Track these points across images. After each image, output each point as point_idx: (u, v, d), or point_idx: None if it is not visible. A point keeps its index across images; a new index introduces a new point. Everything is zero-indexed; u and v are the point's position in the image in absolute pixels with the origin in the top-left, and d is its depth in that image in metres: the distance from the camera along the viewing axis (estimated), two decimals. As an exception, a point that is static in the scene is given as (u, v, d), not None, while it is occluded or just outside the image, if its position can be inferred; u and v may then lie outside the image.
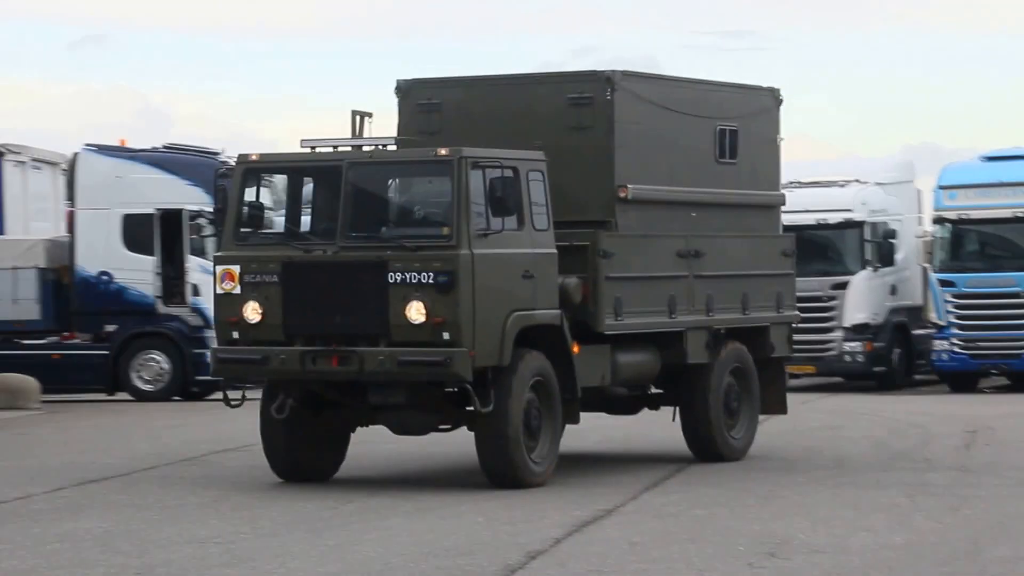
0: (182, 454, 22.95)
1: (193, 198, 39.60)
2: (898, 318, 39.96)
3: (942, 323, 38.25)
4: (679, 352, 21.88)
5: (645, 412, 24.07)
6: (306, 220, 21.25)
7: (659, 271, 21.58)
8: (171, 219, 39.22)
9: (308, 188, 21.12)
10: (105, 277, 38.31)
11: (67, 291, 37.55)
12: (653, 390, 23.23)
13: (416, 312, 18.44)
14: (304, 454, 20.32)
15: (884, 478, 22.58)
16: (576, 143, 20.81)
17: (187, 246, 39.41)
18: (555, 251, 19.87)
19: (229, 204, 20.09)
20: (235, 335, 19.40)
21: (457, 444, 22.29)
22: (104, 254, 36.89)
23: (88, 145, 36.96)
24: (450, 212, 18.85)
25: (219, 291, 19.63)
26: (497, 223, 18.89)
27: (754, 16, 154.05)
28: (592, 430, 24.45)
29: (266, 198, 20.12)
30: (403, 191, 20.58)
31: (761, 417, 31.71)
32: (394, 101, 22.43)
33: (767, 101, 24.47)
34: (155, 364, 37.71)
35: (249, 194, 19.83)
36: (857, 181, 40.23)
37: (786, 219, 39.03)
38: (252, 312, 19.11)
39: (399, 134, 21.29)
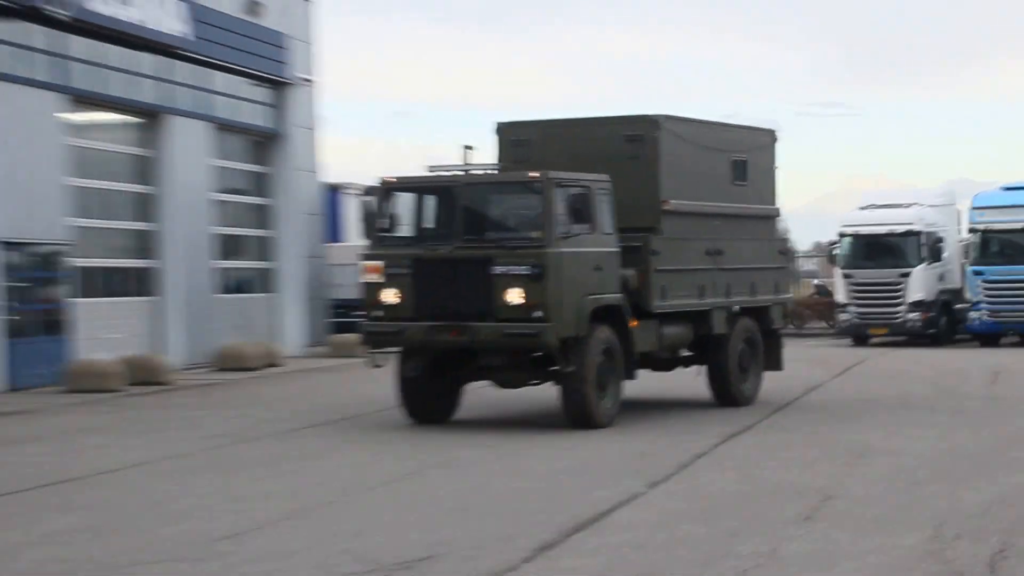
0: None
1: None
2: (944, 297, 38.96)
3: (975, 300, 37.53)
4: (707, 325, 20.50)
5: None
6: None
7: (692, 265, 20.13)
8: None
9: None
10: None
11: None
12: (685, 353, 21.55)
13: (515, 296, 17.38)
14: (429, 403, 18.98)
15: (935, 405, 22.13)
16: (631, 169, 19.28)
17: None
18: (618, 250, 18.57)
19: (373, 215, 18.66)
20: (378, 314, 18.16)
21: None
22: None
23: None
24: (540, 220, 17.73)
25: (366, 280, 18.43)
26: (575, 228, 17.75)
27: (844, 90, 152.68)
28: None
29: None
30: (504, 204, 18.91)
31: (848, 361, 31.62)
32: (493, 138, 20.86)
33: (767, 139, 22.77)
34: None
35: (388, 207, 18.64)
36: (916, 204, 39.30)
37: (867, 229, 38.72)
38: (391, 296, 17.96)
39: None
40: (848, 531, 11.45)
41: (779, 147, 22.81)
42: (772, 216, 23.02)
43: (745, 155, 21.63)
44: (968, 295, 38.58)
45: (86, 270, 27.86)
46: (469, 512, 12.48)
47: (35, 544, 11.23)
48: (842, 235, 39.15)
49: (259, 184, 35.02)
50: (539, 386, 19.19)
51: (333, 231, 38.88)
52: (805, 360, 32.74)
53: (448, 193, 18.41)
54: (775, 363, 22.46)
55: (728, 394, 21.02)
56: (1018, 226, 37.91)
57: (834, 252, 39.74)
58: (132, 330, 29.06)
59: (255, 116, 34.21)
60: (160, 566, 10.25)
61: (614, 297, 18.34)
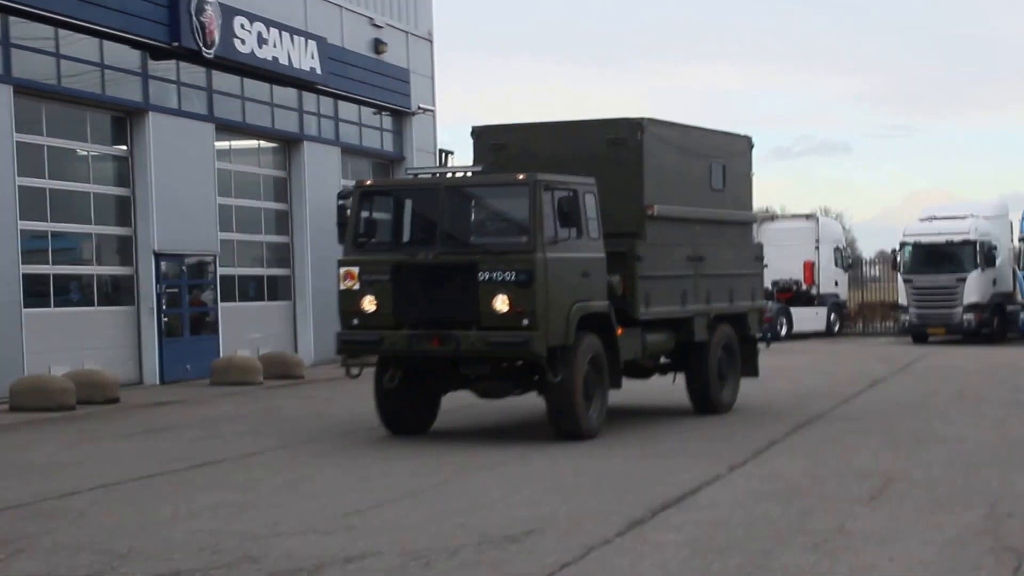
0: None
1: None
2: (997, 299, 38.09)
3: None
4: (689, 332, 17.78)
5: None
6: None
7: (675, 271, 17.47)
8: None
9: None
10: None
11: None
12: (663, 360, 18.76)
13: (501, 303, 14.62)
14: (408, 413, 16.42)
15: (989, 397, 21.45)
16: (614, 173, 16.51)
17: None
18: (604, 255, 15.89)
19: (350, 220, 15.83)
20: (355, 322, 15.47)
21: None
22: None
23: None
24: (527, 224, 14.92)
25: (342, 287, 15.58)
26: (563, 233, 15.08)
27: (907, 114, 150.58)
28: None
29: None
30: (488, 208, 16.12)
31: (909, 358, 30.84)
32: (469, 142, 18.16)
33: (743, 146, 19.80)
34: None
35: (365, 212, 15.85)
36: (972, 215, 38.51)
37: (928, 238, 38.16)
38: (368, 304, 15.25)
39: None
40: (910, 510, 11.19)
41: (754, 154, 20.29)
42: (748, 222, 20.55)
43: (723, 161, 18.96)
44: (1019, 298, 37.84)
45: (231, 278, 28.25)
46: (568, 491, 12.32)
47: (186, 517, 11.33)
48: (904, 244, 38.60)
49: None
50: (521, 396, 16.83)
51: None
52: (869, 357, 32.30)
53: (429, 196, 15.72)
54: (751, 369, 19.74)
55: (708, 402, 18.46)
56: None
57: (897, 259, 39.22)
58: (269, 330, 29.33)
59: (379, 141, 34.38)
60: (295, 537, 10.28)
61: (601, 304, 15.80)
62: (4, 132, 22.02)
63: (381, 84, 32.76)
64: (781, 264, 42.15)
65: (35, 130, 23.26)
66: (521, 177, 15.23)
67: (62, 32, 23.24)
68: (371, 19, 33.22)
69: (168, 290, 25.74)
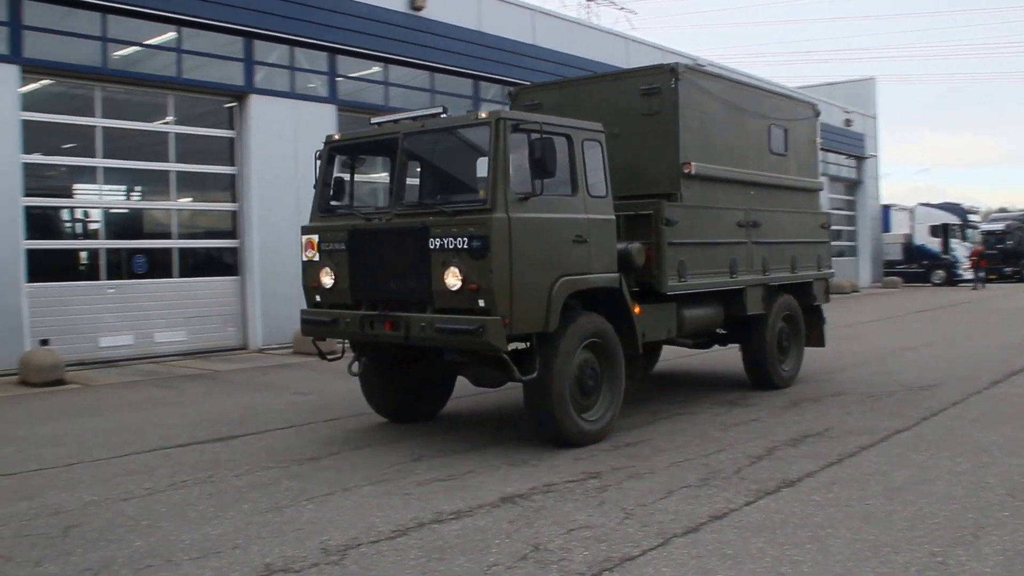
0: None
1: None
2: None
3: None
4: (740, 306, 11.79)
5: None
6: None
7: (720, 238, 11.38)
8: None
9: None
10: None
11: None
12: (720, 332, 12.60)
13: (452, 278, 8.35)
14: (401, 399, 10.40)
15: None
16: (648, 127, 10.90)
17: None
18: (613, 217, 9.49)
19: (318, 180, 9.85)
20: (317, 299, 9.60)
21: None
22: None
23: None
24: (486, 175, 8.47)
25: (303, 259, 9.66)
26: (543, 187, 8.53)
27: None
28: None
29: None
30: (450, 159, 9.57)
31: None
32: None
33: (808, 112, 13.71)
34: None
35: (331, 171, 9.84)
36: None
37: None
38: (326, 277, 9.43)
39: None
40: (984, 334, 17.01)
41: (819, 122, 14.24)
42: (814, 189, 13.98)
43: (785, 124, 13.15)
44: None
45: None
46: (951, 366, 14.20)
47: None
48: None
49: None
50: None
51: (886, 226, 44.85)
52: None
53: (391, 148, 9.38)
54: (817, 340, 13.80)
55: (765, 376, 12.52)
56: None
57: None
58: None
59: (844, 172, 41.39)
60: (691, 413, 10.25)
61: (606, 277, 9.41)
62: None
63: (850, 143, 41.11)
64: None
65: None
66: (483, 115, 8.74)
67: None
68: (843, 108, 40.74)
69: None
